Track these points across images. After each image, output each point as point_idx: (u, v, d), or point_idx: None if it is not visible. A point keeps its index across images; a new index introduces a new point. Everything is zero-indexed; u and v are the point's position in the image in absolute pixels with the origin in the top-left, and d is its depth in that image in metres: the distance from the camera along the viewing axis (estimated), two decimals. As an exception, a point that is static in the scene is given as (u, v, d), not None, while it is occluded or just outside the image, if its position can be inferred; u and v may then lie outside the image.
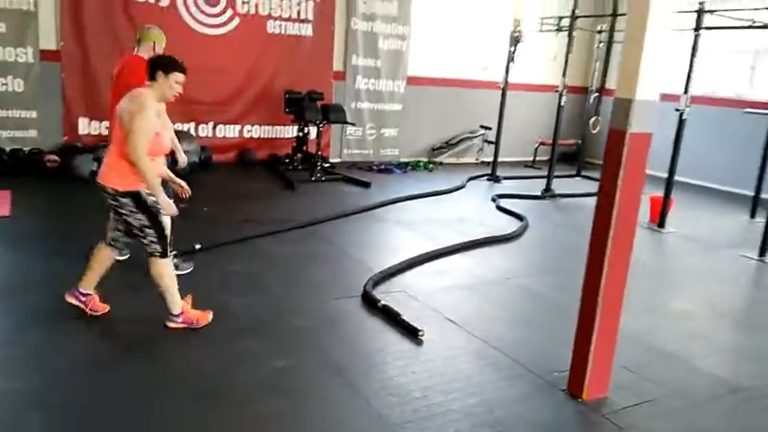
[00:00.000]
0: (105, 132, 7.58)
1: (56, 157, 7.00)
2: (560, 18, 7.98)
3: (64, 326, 3.39)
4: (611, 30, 8.49)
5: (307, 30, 8.67)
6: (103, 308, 3.50)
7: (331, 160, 8.98)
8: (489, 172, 8.98)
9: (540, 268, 5.33)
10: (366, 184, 7.69)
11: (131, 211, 3.23)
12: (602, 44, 8.96)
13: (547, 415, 2.94)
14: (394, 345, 3.53)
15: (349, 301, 4.05)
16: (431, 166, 9.58)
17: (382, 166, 9.07)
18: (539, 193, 7.99)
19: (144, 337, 3.37)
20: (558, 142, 8.12)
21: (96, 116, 7.55)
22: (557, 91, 7.86)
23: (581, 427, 2.91)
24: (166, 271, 3.35)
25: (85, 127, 7.59)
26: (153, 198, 3.23)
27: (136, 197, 3.20)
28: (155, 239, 3.28)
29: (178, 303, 3.40)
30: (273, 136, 8.78)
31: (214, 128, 8.39)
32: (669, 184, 6.62)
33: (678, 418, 2.99)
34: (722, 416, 3.06)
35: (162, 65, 3.25)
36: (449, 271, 4.88)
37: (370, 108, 9.39)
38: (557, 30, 7.88)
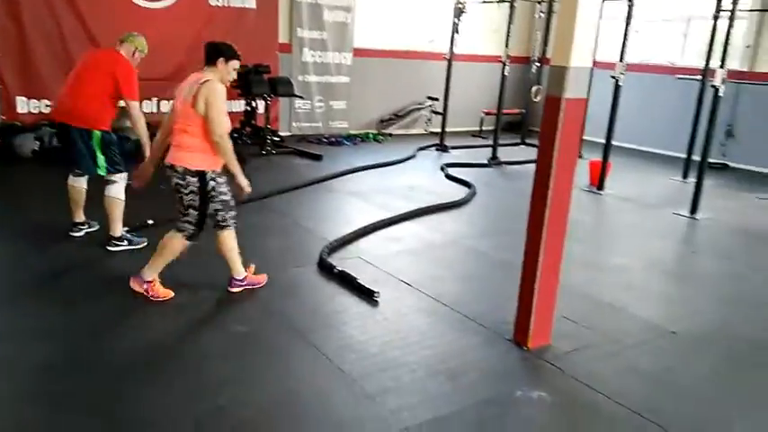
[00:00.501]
0: (45, 111, 7.41)
1: (-6, 136, 6.81)
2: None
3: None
4: (551, 0, 8.74)
5: (250, 2, 8.58)
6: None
7: (281, 134, 9.00)
8: (438, 142, 9.18)
9: (487, 231, 5.58)
10: (317, 157, 7.78)
11: (191, 191, 3.36)
12: (542, 14, 9.23)
13: (495, 362, 3.17)
14: (351, 307, 3.69)
15: (306, 269, 4.19)
16: (380, 137, 9.71)
17: (332, 139, 9.15)
18: (485, 162, 8.24)
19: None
20: (502, 112, 8.35)
21: (35, 94, 7.33)
22: (500, 61, 8.06)
23: (526, 371, 3.14)
24: (179, 248, 3.51)
25: (24, 105, 7.35)
26: (213, 183, 3.40)
27: (202, 177, 3.36)
28: (192, 221, 3.45)
29: (155, 272, 3.55)
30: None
31: (158, 103, 8.27)
32: (607, 148, 6.96)
33: (614, 359, 3.27)
34: (653, 356, 3.36)
35: (224, 52, 3.44)
36: (401, 237, 5.06)
37: (317, 81, 9.40)
38: (498, 1, 8.05)
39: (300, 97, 8.89)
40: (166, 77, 8.17)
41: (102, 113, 4.10)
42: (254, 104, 8.24)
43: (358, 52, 9.65)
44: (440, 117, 9.43)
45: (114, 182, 4.18)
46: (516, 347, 3.31)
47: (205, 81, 3.33)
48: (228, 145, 3.39)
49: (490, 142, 8.75)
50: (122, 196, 4.22)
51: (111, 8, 7.61)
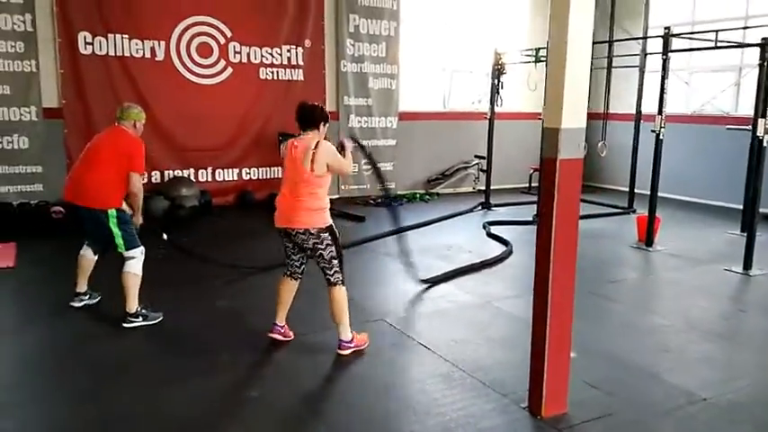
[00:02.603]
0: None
1: (61, 209, 7.31)
2: (537, 49, 8.23)
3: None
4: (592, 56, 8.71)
5: (298, 74, 9.04)
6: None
7: (329, 197, 9.23)
8: (482, 200, 9.18)
9: (522, 292, 5.40)
10: (360, 219, 7.92)
11: (328, 245, 3.67)
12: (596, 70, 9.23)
13: (503, 432, 3.06)
14: (357, 372, 3.68)
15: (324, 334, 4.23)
16: (427, 197, 9.80)
17: (379, 201, 9.30)
18: (529, 219, 8.12)
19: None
20: (531, 168, 8.26)
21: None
22: (540, 119, 8.06)
23: (535, 442, 3.02)
24: (345, 297, 3.78)
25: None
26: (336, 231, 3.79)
27: (332, 230, 3.70)
28: (338, 269, 3.75)
29: (349, 329, 3.83)
30: (272, 177, 9.07)
31: (213, 172, 8.72)
32: (652, 202, 6.74)
33: (633, 429, 3.09)
34: (677, 426, 3.15)
35: (326, 118, 3.82)
36: (431, 298, 5.04)
37: (364, 145, 9.64)
38: (534, 61, 8.12)
39: (343, 162, 9.14)
40: (219, 148, 8.68)
41: (115, 192, 4.22)
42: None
43: (403, 115, 9.90)
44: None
45: (132, 257, 4.27)
46: (529, 416, 3.19)
47: (317, 145, 3.64)
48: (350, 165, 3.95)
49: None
50: (140, 272, 4.28)
51: (168, 86, 8.21)
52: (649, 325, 4.61)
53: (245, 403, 3.25)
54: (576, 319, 4.55)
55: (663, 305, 5.16)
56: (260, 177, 9.01)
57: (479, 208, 9.03)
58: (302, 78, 9.06)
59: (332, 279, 3.79)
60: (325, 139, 3.78)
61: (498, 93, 8.77)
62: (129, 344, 4.01)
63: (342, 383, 3.59)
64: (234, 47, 8.56)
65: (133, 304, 4.26)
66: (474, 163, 10.47)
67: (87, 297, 4.59)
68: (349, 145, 4.02)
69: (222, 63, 8.53)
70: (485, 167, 9.90)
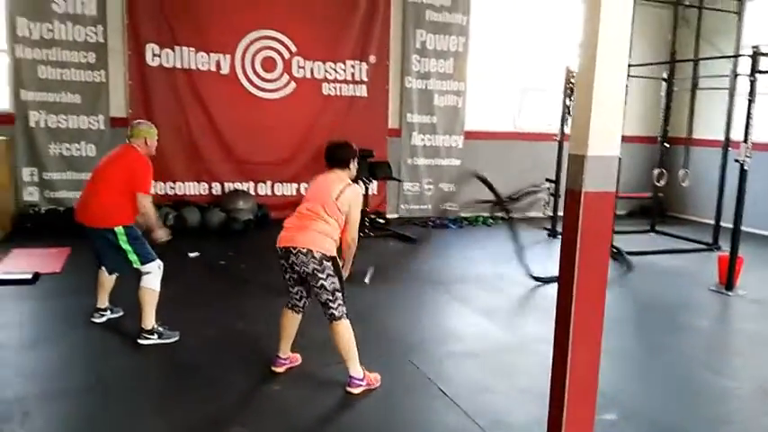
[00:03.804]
0: (170, 192, 8.11)
1: (120, 217, 7.49)
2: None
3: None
4: (671, 76, 8.01)
5: (361, 90, 8.88)
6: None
7: (388, 216, 9.01)
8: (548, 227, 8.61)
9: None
10: (412, 240, 7.60)
11: (329, 275, 3.44)
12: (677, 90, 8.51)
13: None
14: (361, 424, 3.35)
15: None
16: (491, 221, 9.32)
17: (438, 222, 8.94)
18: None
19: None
20: (617, 195, 7.62)
21: (161, 178, 8.01)
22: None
23: None
24: (351, 331, 3.53)
25: (153, 188, 8.05)
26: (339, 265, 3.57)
27: (335, 261, 3.49)
28: (341, 303, 3.50)
29: (359, 366, 3.55)
30: (329, 193, 8.92)
31: (272, 186, 8.68)
32: (735, 240, 5.99)
33: None
34: None
35: (355, 156, 3.72)
36: (465, 335, 4.63)
37: (426, 164, 9.36)
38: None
39: (398, 180, 8.86)
40: (279, 162, 8.63)
41: (121, 210, 4.08)
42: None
43: (470, 134, 9.51)
44: (560, 199, 8.96)
45: (149, 272, 4.14)
46: (542, 486, 2.74)
47: (350, 184, 3.58)
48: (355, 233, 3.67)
49: (618, 228, 8.08)
50: (157, 287, 4.15)
51: (232, 99, 8.27)
52: (713, 387, 3.97)
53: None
54: (625, 375, 4.04)
55: (733, 363, 4.47)
56: (317, 193, 8.88)
57: (546, 234, 8.47)
58: (365, 95, 8.90)
59: (336, 313, 3.49)
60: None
61: (570, 113, 8.20)
62: (134, 363, 3.88)
63: (340, 425, 3.27)
64: (298, 61, 8.52)
65: (149, 321, 4.13)
66: (545, 186, 9.88)
67: (109, 312, 4.53)
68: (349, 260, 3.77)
69: (286, 78, 8.51)
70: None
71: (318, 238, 3.45)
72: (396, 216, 9.15)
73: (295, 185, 8.76)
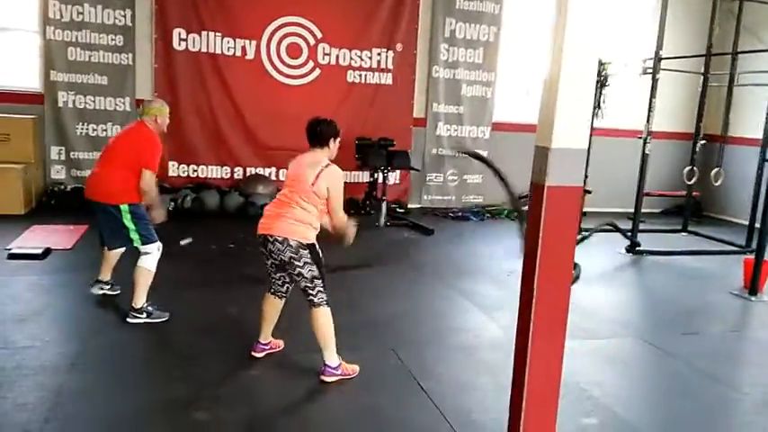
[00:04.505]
0: (193, 175, 8.22)
1: (142, 197, 7.64)
2: (649, 59, 7.26)
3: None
4: (706, 70, 7.61)
5: (387, 78, 8.77)
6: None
7: (410, 206, 8.93)
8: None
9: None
10: (429, 231, 7.50)
11: (306, 263, 3.40)
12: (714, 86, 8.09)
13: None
14: (332, 408, 3.30)
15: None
16: (514, 214, 9.11)
17: (459, 213, 8.80)
18: (622, 249, 7.23)
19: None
20: (643, 192, 7.35)
21: (184, 160, 8.15)
22: (640, 137, 7.14)
23: None
24: (330, 319, 3.48)
25: (174, 170, 8.20)
26: (320, 252, 3.49)
27: (312, 248, 3.43)
28: (322, 289, 3.45)
29: (335, 354, 3.50)
30: (350, 181, 8.88)
31: (292, 173, 8.68)
32: (761, 243, 5.67)
33: None
34: None
35: (335, 134, 3.58)
36: (458, 330, 4.53)
37: (452, 154, 9.21)
38: (642, 73, 7.19)
39: (416, 170, 8.71)
40: (300, 149, 8.33)
41: (127, 188, 4.14)
42: (375, 176, 8.26)
43: (498, 126, 9.30)
44: (589, 195, 8.70)
45: (148, 253, 4.20)
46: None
47: (327, 165, 3.46)
48: (344, 219, 3.60)
49: (647, 227, 7.97)
50: (153, 268, 4.20)
51: (257, 85, 8.28)
52: (713, 395, 3.77)
53: (183, 426, 3.00)
54: (621, 380, 3.86)
55: (740, 372, 4.23)
56: (339, 181, 8.85)
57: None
58: (390, 83, 8.78)
59: (315, 300, 3.46)
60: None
61: (600, 106, 7.93)
62: (119, 339, 3.93)
63: (305, 415, 3.24)
64: (323, 48, 8.48)
65: (140, 300, 4.19)
66: (573, 182, 9.59)
67: (108, 287, 4.60)
68: (352, 231, 3.74)
69: (311, 64, 8.48)
70: (588, 187, 9.10)
71: (294, 227, 3.40)
72: (418, 206, 9.05)
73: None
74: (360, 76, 8.67)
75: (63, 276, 4.96)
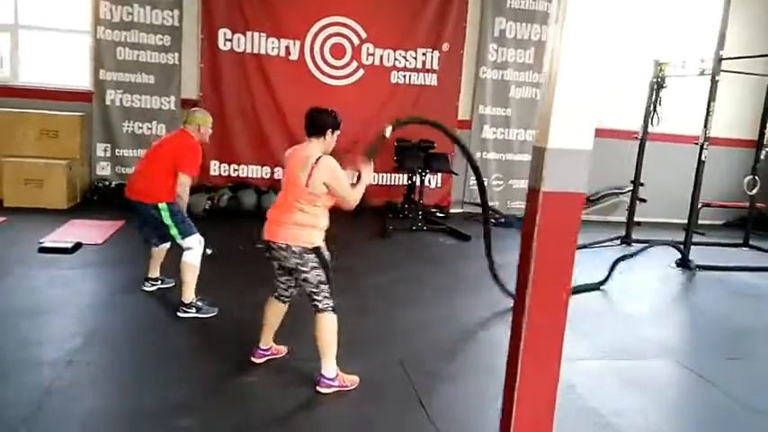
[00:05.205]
0: (234, 174, 8.27)
1: (181, 194, 7.72)
2: (709, 60, 6.74)
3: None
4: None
5: (432, 79, 8.57)
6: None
7: (451, 210, 8.69)
8: (620, 234, 7.89)
9: (598, 350, 4.40)
10: (466, 238, 7.23)
11: (313, 267, 3.27)
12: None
13: None
14: (322, 424, 3.14)
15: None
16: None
17: (502, 220, 8.46)
18: (674, 263, 6.74)
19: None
20: (698, 203, 6.84)
21: (225, 159, 8.20)
22: (696, 143, 6.64)
23: None
24: (335, 327, 3.33)
25: (216, 169, 8.27)
26: (326, 253, 3.33)
27: (318, 252, 3.29)
28: (328, 295, 3.32)
29: (334, 365, 3.34)
30: (391, 183, 8.73)
31: (333, 174, 8.60)
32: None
33: None
34: None
35: (334, 125, 3.42)
36: (474, 346, 4.28)
37: (497, 158, 8.91)
38: (700, 74, 6.69)
39: (455, 173, 8.43)
40: (343, 150, 8.48)
41: (165, 188, 4.26)
42: (414, 179, 8.06)
43: (548, 130, 8.91)
44: (643, 205, 8.30)
45: (190, 248, 4.29)
46: None
47: (318, 159, 3.24)
48: (358, 193, 3.38)
49: (707, 240, 7.55)
50: (197, 262, 4.28)
51: (301, 85, 8.23)
52: (753, 430, 3.37)
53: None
54: (646, 402, 3.50)
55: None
56: (378, 183, 8.70)
57: (617, 242, 7.76)
58: (436, 84, 8.57)
59: (320, 305, 3.32)
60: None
61: (655, 110, 7.45)
62: (121, 336, 3.91)
63: (294, 425, 3.08)
64: (367, 48, 8.36)
65: (188, 294, 4.26)
66: (628, 189, 9.07)
67: (160, 282, 4.70)
68: (367, 172, 3.49)
69: (354, 65, 8.38)
70: (644, 196, 8.62)
71: (296, 233, 3.26)
72: (460, 211, 8.78)
73: (356, 173, 8.62)
74: (404, 76, 8.50)
75: (86, 271, 5.01)
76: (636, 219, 8.85)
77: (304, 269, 3.26)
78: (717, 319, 5.16)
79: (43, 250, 5.32)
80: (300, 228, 3.25)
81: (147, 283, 4.68)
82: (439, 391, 3.50)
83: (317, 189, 3.22)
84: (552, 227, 2.13)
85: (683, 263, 6.63)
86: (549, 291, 2.18)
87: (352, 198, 3.35)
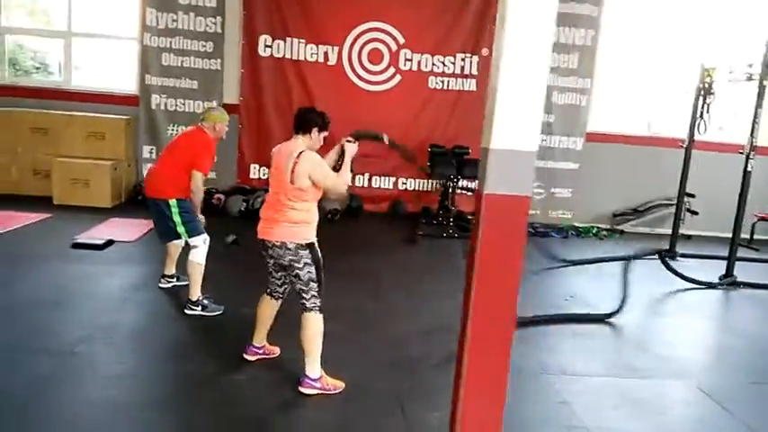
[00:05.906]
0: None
1: (220, 196, 7.92)
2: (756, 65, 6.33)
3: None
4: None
5: (470, 85, 8.49)
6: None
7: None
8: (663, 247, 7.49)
9: (620, 368, 4.19)
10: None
11: (305, 263, 3.30)
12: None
13: None
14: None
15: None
16: (603, 234, 8.39)
17: (540, 229, 8.24)
18: (714, 280, 6.35)
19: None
20: (742, 214, 6.45)
21: (265, 163, 8.36)
22: (740, 152, 6.25)
23: None
24: (321, 327, 3.35)
25: (256, 172, 8.48)
26: (320, 252, 3.36)
27: (312, 248, 3.33)
28: (316, 294, 3.35)
29: (318, 366, 3.36)
30: (427, 189, 8.68)
31: (369, 179, 8.64)
32: None
33: None
34: None
35: (321, 125, 3.41)
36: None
37: (538, 166, 8.66)
38: (747, 79, 6.29)
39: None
40: (377, 155, 8.50)
41: (178, 184, 4.35)
42: (448, 185, 7.96)
43: (592, 136, 8.63)
44: (695, 217, 7.99)
45: (196, 246, 4.39)
46: None
47: (300, 154, 3.27)
48: (345, 179, 3.40)
49: (761, 256, 7.21)
50: (203, 261, 4.37)
51: (339, 91, 8.33)
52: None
53: (147, 427, 2.96)
54: (647, 428, 3.27)
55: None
56: (415, 189, 8.68)
57: (655, 256, 7.37)
58: (474, 89, 8.47)
59: (307, 304, 3.34)
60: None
61: (702, 117, 7.07)
62: (124, 333, 4.00)
63: (272, 426, 3.08)
64: (405, 54, 8.37)
65: (194, 292, 4.37)
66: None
67: (175, 279, 4.84)
68: (350, 150, 3.48)
69: (392, 70, 8.41)
70: (695, 208, 8.21)
71: (290, 230, 3.29)
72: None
73: (392, 179, 8.66)
74: (442, 82, 8.46)
75: (111, 268, 5.21)
76: (686, 232, 8.44)
77: (297, 266, 3.29)
78: (749, 339, 4.82)
79: (76, 246, 5.58)
80: (295, 225, 3.29)
81: (162, 280, 4.82)
82: (422, 402, 3.40)
83: (302, 183, 3.23)
84: (495, 233, 2.05)
85: (726, 278, 6.24)
86: (493, 297, 2.09)
87: (339, 184, 3.38)
